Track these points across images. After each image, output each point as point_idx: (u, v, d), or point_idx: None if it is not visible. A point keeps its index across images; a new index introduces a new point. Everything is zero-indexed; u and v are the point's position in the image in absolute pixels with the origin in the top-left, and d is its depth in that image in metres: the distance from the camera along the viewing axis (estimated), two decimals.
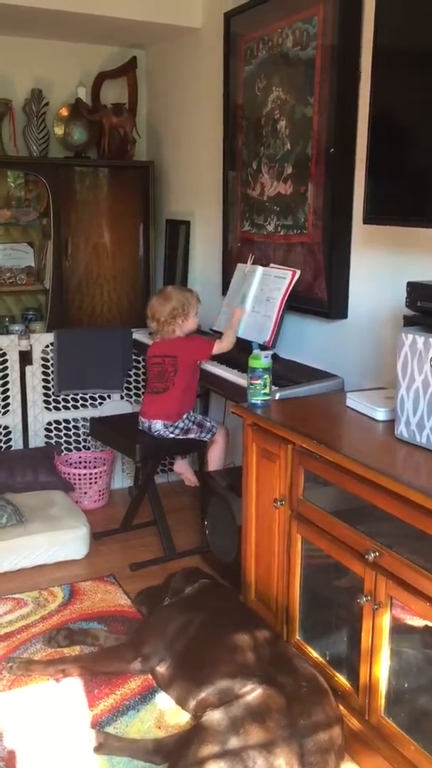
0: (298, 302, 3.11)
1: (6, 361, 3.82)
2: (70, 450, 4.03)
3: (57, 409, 3.98)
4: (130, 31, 4.10)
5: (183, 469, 3.67)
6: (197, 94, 4.04)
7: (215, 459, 3.35)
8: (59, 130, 4.40)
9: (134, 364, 4.01)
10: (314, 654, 2.31)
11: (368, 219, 2.51)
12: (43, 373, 3.90)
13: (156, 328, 3.28)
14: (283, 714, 1.95)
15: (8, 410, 3.86)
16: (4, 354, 3.81)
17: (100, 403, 4.05)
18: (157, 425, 3.23)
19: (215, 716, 1.96)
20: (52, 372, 3.90)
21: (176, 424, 3.24)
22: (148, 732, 2.22)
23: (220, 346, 3.19)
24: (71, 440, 4.04)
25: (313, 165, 2.99)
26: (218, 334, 3.35)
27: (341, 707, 2.12)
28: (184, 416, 3.26)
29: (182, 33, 4.04)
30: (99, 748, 2.11)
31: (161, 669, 2.36)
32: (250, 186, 3.47)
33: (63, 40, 4.33)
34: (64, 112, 4.40)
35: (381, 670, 2.00)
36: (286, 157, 3.17)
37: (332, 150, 2.86)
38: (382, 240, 2.71)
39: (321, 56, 2.88)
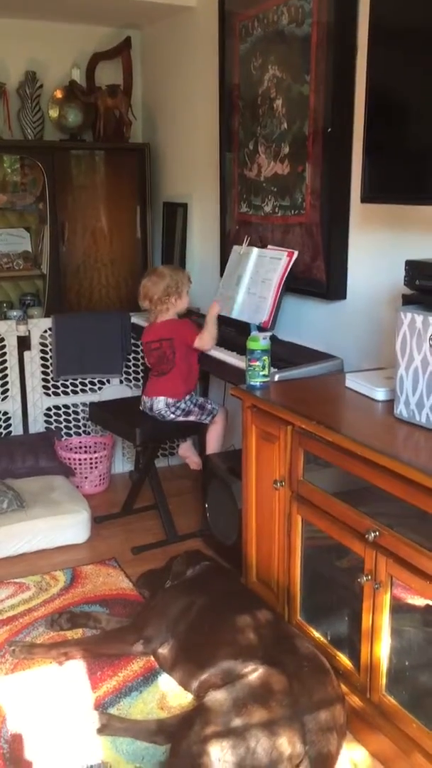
0: (296, 283, 3.09)
1: (4, 346, 3.81)
2: (70, 435, 4.03)
3: (56, 394, 3.97)
4: (124, 11, 4.05)
5: (188, 452, 3.67)
6: (193, 74, 4.00)
7: (214, 439, 3.35)
8: (54, 113, 4.36)
9: (133, 348, 4.00)
10: (316, 634, 2.32)
11: (366, 198, 2.49)
12: (42, 358, 3.89)
13: (149, 306, 3.27)
14: (285, 693, 1.96)
15: (7, 396, 3.86)
16: (3, 340, 3.80)
17: (100, 388, 4.04)
18: (160, 404, 3.23)
19: (217, 696, 1.97)
20: (50, 357, 3.89)
21: (178, 404, 3.24)
22: (151, 713, 2.24)
23: (201, 343, 3.18)
24: (71, 425, 4.04)
25: (311, 144, 2.96)
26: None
27: (343, 686, 2.12)
28: (187, 397, 3.26)
29: (177, 12, 3.99)
30: (102, 730, 2.13)
31: (163, 651, 2.37)
32: (247, 167, 3.44)
33: (56, 21, 4.27)
34: (59, 94, 4.35)
35: (382, 648, 2.01)
36: (282, 137, 3.14)
37: (329, 129, 2.83)
38: (380, 219, 2.69)
39: (317, 33, 2.84)
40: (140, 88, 4.64)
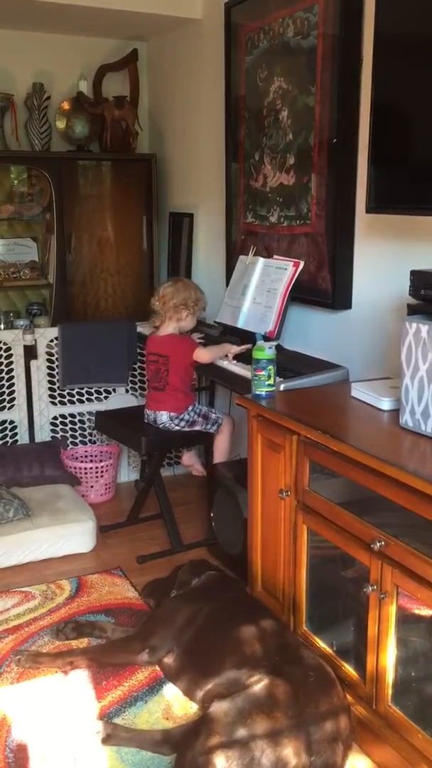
0: (302, 293, 3.10)
1: (11, 355, 3.82)
2: (76, 444, 4.04)
3: (62, 403, 3.98)
4: (131, 23, 4.08)
5: (191, 461, 3.67)
6: (199, 86, 4.03)
7: (221, 448, 3.35)
8: (61, 124, 4.40)
9: (139, 357, 4.01)
10: (321, 644, 2.32)
11: (371, 208, 2.50)
12: (48, 367, 3.91)
13: (159, 308, 3.25)
14: (290, 704, 1.95)
15: (14, 405, 3.87)
16: (9, 349, 3.81)
17: (106, 397, 4.05)
18: (163, 417, 3.24)
19: (223, 707, 1.97)
20: (57, 366, 3.90)
21: (182, 416, 3.24)
22: (156, 723, 2.23)
23: (201, 355, 3.18)
24: (77, 434, 4.05)
25: (316, 155, 2.98)
26: (221, 326, 3.34)
27: (348, 696, 2.12)
28: (189, 408, 3.27)
29: (183, 24, 4.03)
30: (107, 740, 2.12)
31: (169, 660, 2.37)
32: (252, 177, 3.46)
33: (64, 33, 4.32)
34: (66, 105, 4.39)
35: (388, 659, 2.00)
36: (288, 148, 3.16)
37: (335, 140, 2.84)
38: (385, 229, 2.70)
39: (322, 45, 2.87)
40: (147, 99, 4.67)
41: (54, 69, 4.38)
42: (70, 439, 4.03)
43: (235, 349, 3.15)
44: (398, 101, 2.37)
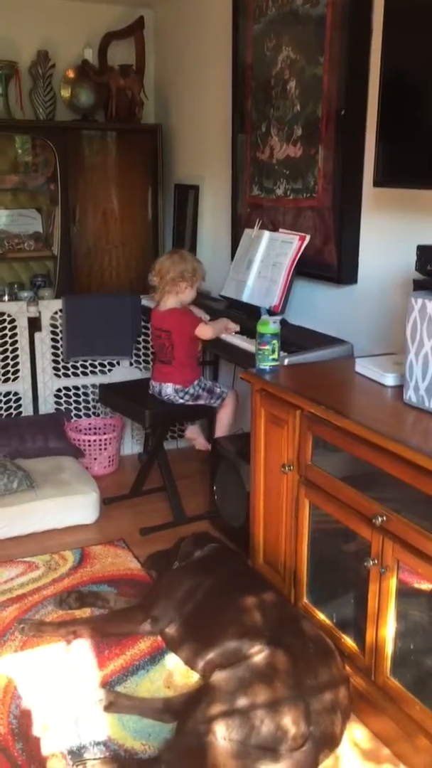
0: (307, 267, 3.08)
1: (15, 327, 3.82)
2: (79, 416, 4.05)
3: (66, 375, 3.99)
4: None
5: (194, 434, 3.68)
6: (206, 55, 3.97)
7: (224, 421, 3.36)
8: (66, 93, 4.34)
9: (143, 330, 4.01)
10: (321, 616, 2.34)
11: (378, 182, 2.48)
12: (53, 339, 3.91)
13: (158, 283, 3.24)
14: (290, 674, 1.98)
15: (18, 377, 3.88)
16: (14, 320, 3.81)
17: (110, 370, 4.05)
18: (168, 389, 3.24)
19: (223, 676, 1.99)
20: (61, 338, 3.90)
21: (187, 390, 3.25)
22: (158, 691, 2.26)
23: (204, 330, 3.16)
24: (81, 407, 4.06)
25: (324, 127, 2.94)
26: (225, 299, 3.32)
27: (348, 668, 2.14)
28: (195, 383, 3.27)
29: None
30: (109, 707, 2.16)
31: (170, 630, 2.40)
32: (259, 149, 3.42)
33: None
34: (71, 74, 4.34)
35: (387, 632, 2.02)
36: (296, 119, 3.12)
37: (343, 111, 2.80)
38: (392, 203, 2.67)
39: (331, 14, 2.81)
40: (153, 68, 4.61)
41: (59, 36, 4.32)
42: (74, 412, 4.04)
43: (232, 326, 3.17)
44: (408, 72, 2.33)
